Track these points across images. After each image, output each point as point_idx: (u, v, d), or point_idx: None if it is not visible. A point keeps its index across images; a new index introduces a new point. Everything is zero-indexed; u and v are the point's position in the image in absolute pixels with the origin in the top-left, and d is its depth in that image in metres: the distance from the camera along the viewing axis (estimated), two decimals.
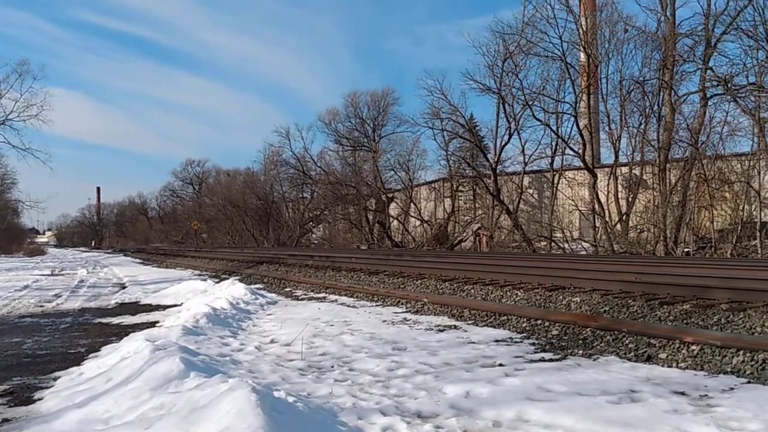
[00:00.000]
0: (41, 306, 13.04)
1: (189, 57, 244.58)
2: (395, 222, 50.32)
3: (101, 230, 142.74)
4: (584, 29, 31.56)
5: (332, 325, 8.84)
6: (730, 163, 27.05)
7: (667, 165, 27.26)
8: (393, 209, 51.02)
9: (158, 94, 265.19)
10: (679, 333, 6.35)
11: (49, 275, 24.47)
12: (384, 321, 9.15)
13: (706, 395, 4.67)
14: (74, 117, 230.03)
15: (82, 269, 28.89)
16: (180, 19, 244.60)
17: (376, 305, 11.11)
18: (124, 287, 17.97)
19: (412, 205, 48.37)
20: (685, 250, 25.44)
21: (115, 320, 10.54)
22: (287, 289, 14.97)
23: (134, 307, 12.58)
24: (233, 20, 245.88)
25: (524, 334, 7.67)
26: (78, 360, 6.88)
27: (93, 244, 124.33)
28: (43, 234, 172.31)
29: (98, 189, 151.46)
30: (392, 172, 51.65)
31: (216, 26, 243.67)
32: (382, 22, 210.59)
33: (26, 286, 18.02)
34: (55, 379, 5.95)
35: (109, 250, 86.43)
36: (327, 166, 57.20)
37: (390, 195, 50.93)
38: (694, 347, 5.98)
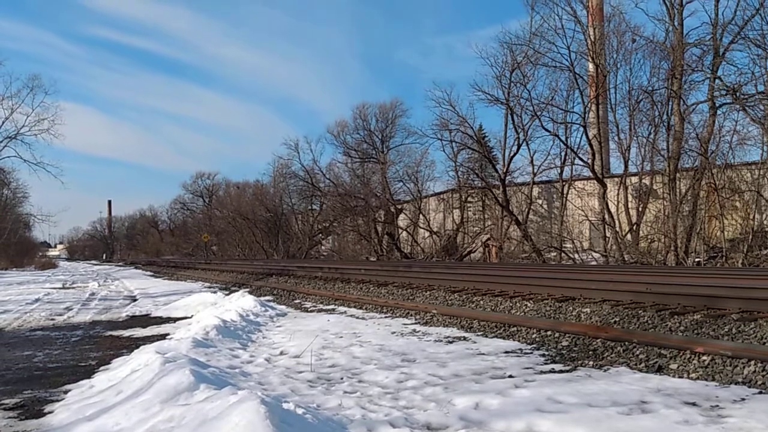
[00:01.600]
0: (52, 319, 13.11)
1: (200, 71, 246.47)
2: (404, 233, 50.31)
3: (112, 243, 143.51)
4: (592, 39, 31.59)
5: (341, 337, 8.84)
6: (740, 172, 26.93)
7: (677, 174, 27.16)
8: (402, 220, 51.02)
9: (169, 108, 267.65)
10: (689, 343, 6.31)
11: (60, 288, 24.61)
12: (393, 332, 9.15)
13: (718, 406, 4.64)
14: (86, 131, 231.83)
15: (93, 282, 29.02)
16: (191, 33, 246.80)
17: (385, 317, 11.11)
18: (134, 300, 18.04)
19: (421, 216, 48.34)
20: (696, 259, 25.29)
21: (126, 333, 10.58)
22: (297, 301, 14.99)
23: (145, 320, 12.63)
24: (244, 34, 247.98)
25: (534, 345, 7.64)
26: (89, 373, 6.90)
27: (104, 257, 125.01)
28: (55, 247, 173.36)
29: (109, 202, 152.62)
30: (401, 184, 51.76)
31: (227, 40, 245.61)
32: (391, 34, 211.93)
33: (37, 300, 18.12)
34: (65, 392, 5.97)
35: (120, 263, 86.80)
36: (336, 178, 57.33)
37: (399, 206, 50.95)
38: (705, 358, 5.94)
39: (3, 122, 43.07)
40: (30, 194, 65.83)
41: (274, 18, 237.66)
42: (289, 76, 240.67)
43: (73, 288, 25.13)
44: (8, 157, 44.95)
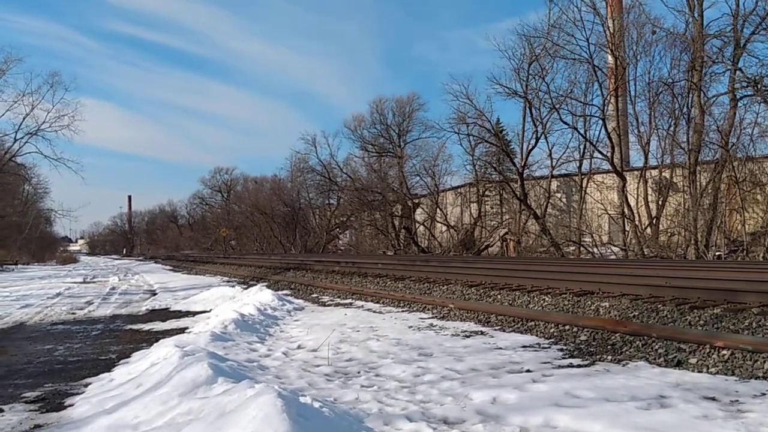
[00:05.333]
0: (73, 313, 13.26)
1: (219, 66, 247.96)
2: (421, 227, 50.26)
3: (132, 238, 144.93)
4: (611, 31, 31.29)
5: (358, 331, 8.85)
6: (761, 164, 26.61)
7: (698, 167, 26.90)
8: (419, 215, 50.97)
9: (188, 103, 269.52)
10: (709, 338, 6.25)
11: (81, 283, 24.87)
12: (410, 327, 9.14)
13: (737, 401, 4.58)
14: (105, 127, 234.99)
15: (113, 276, 29.32)
16: (211, 28, 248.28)
17: (402, 311, 11.10)
18: (154, 294, 18.19)
19: (438, 210, 48.27)
20: (717, 253, 25.02)
21: (146, 327, 10.68)
22: (314, 295, 15.03)
23: (164, 314, 12.73)
24: (263, 29, 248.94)
25: (552, 340, 7.60)
26: (109, 366, 6.98)
27: (124, 252, 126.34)
28: (76, 242, 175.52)
29: (129, 197, 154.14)
30: (418, 178, 51.75)
31: (246, 35, 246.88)
32: (410, 29, 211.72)
33: (59, 294, 18.34)
34: (86, 386, 6.04)
35: (140, 258, 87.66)
36: (353, 173, 57.39)
37: (416, 201, 50.89)
38: (724, 352, 5.88)
39: (24, 118, 43.62)
40: (51, 190, 66.79)
41: (292, 13, 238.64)
42: (307, 72, 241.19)
43: (94, 282, 25.40)
44: (29, 153, 45.57)
